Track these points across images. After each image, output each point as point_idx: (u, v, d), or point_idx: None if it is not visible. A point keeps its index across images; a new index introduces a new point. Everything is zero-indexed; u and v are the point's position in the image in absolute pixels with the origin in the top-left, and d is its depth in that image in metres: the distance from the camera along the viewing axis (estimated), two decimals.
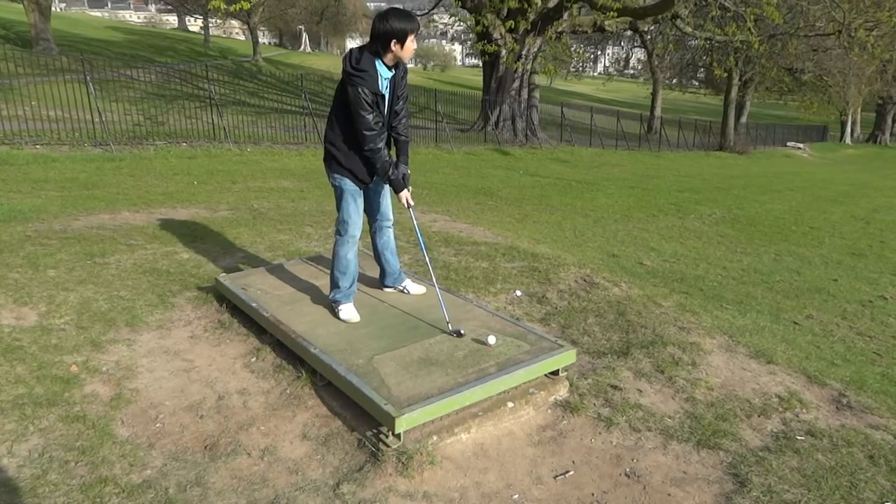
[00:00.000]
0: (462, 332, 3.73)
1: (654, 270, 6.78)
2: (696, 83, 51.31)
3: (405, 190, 3.90)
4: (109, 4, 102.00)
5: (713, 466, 3.07)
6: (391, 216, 4.22)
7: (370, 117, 3.58)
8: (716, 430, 3.33)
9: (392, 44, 3.51)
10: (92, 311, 4.07)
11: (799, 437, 3.31)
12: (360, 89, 3.52)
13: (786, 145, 39.70)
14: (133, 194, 7.92)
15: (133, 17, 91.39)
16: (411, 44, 3.56)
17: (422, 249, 4.20)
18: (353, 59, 3.57)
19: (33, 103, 12.03)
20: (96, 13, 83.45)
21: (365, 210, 4.09)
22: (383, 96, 3.65)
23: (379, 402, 2.99)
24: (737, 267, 7.61)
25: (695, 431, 3.32)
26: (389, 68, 3.65)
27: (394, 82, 3.71)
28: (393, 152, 3.92)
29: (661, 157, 25.80)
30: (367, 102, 3.55)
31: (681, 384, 3.78)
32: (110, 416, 3.13)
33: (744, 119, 38.56)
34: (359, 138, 3.64)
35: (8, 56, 12.27)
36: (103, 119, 11.69)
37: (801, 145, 39.78)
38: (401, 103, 3.82)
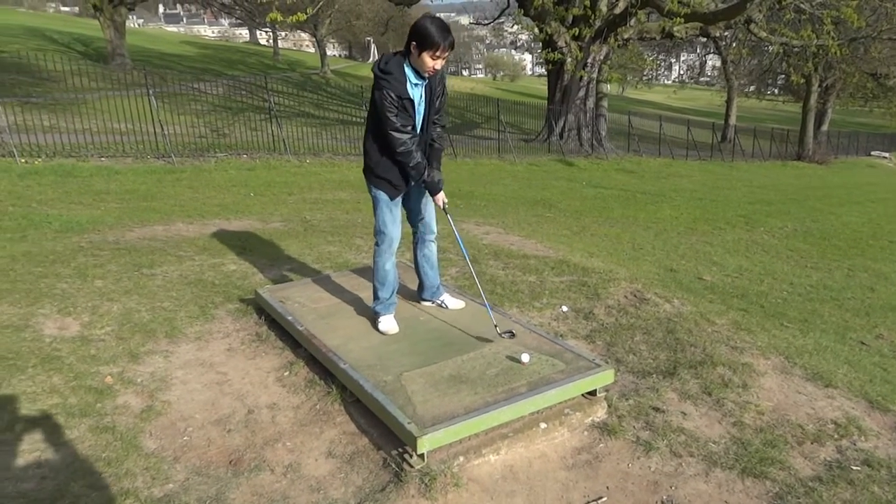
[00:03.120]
0: (514, 332, 3.69)
1: (714, 286, 6.49)
2: (775, 90, 49.42)
3: (441, 192, 3.80)
4: (185, 20, 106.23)
5: (758, 497, 2.86)
6: (434, 229, 4.13)
7: (396, 120, 3.50)
8: (763, 458, 3.11)
9: (412, 46, 3.43)
10: (133, 321, 4.15)
11: (854, 467, 3.06)
12: (384, 92, 3.46)
13: (870, 154, 37.85)
14: (189, 206, 8.12)
15: (207, 31, 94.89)
16: (429, 59, 3.42)
17: (465, 257, 4.10)
18: (381, 62, 3.53)
19: (104, 117, 12.56)
20: (172, 28, 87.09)
21: (408, 220, 4.04)
22: (411, 100, 3.54)
23: (402, 420, 2.90)
24: (805, 283, 7.22)
25: (740, 458, 3.11)
26: (419, 72, 3.57)
27: (429, 87, 3.63)
28: None
29: (734, 168, 24.98)
30: (393, 105, 3.47)
31: (729, 407, 3.56)
32: (139, 428, 3.15)
33: (825, 127, 36.88)
34: (389, 142, 3.56)
35: (82, 71, 12.85)
36: (165, 132, 12.06)
37: (886, 154, 37.83)
38: (437, 104, 3.72)
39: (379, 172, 3.74)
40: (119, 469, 2.83)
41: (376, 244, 3.93)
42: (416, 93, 3.59)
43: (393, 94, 3.45)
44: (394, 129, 3.51)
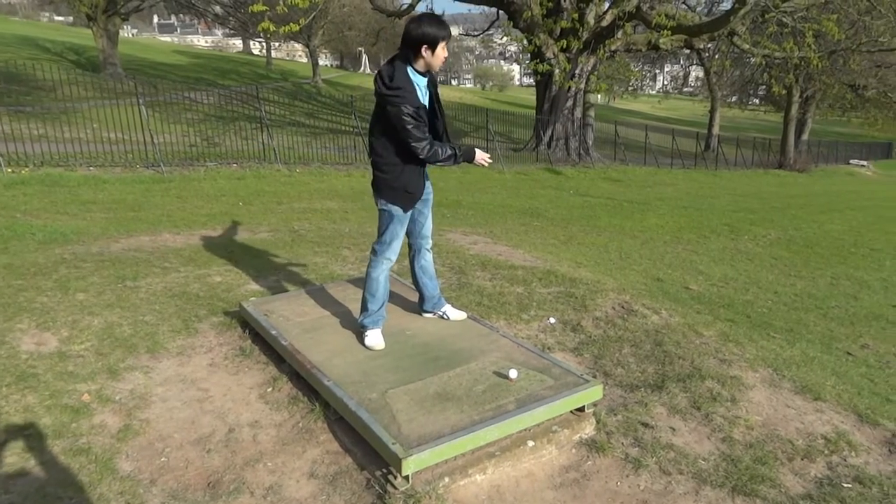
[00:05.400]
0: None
1: (700, 296, 6.48)
2: (757, 100, 49.95)
3: (477, 151, 3.73)
4: (178, 30, 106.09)
5: None
6: (430, 237, 4.09)
7: (417, 132, 3.46)
8: (753, 475, 3.07)
9: (423, 49, 3.42)
10: (114, 336, 4.06)
11: (845, 485, 3.03)
12: (401, 107, 3.40)
13: (848, 163, 38.36)
14: (177, 216, 8.02)
15: (201, 41, 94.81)
16: (442, 52, 3.48)
17: None
18: (385, 77, 3.46)
19: (94, 126, 12.44)
20: (166, 38, 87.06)
21: (406, 232, 3.99)
22: (424, 107, 3.53)
23: (387, 441, 2.84)
24: (789, 292, 7.23)
25: (730, 476, 3.07)
26: (423, 74, 3.55)
27: (431, 88, 3.63)
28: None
29: (718, 176, 25.13)
30: (411, 117, 3.42)
31: (718, 422, 3.53)
32: (115, 449, 3.06)
33: (805, 136, 37.45)
34: (414, 153, 3.51)
35: (72, 80, 12.73)
36: (155, 141, 11.96)
37: (864, 162, 38.46)
38: (439, 114, 3.74)
39: (395, 184, 3.66)
40: (93, 494, 2.74)
41: (374, 254, 3.86)
42: (426, 98, 3.60)
43: (410, 107, 3.41)
44: (416, 140, 3.47)
